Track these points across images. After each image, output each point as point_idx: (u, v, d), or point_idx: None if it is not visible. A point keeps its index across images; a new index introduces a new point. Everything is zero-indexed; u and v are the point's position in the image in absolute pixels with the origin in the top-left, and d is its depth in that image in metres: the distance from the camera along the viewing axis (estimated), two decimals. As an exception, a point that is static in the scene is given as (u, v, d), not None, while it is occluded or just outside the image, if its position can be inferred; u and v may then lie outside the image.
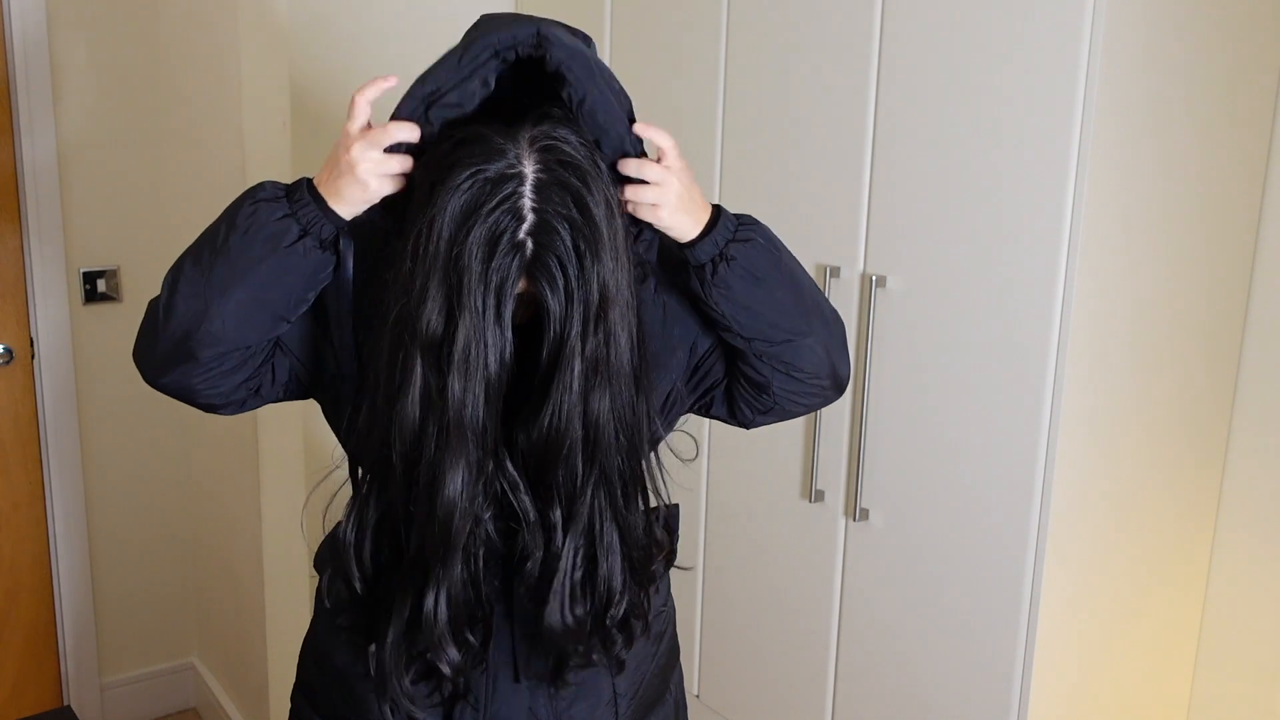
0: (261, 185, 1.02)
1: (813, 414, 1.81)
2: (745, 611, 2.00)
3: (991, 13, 1.47)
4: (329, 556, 1.15)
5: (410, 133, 0.98)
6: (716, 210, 1.07)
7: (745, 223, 1.08)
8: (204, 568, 2.63)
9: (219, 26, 2.15)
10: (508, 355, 0.94)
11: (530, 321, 0.99)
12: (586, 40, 1.04)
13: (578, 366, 0.95)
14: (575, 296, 0.93)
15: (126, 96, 2.41)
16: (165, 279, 1.03)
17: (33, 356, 2.39)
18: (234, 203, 1.01)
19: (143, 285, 2.50)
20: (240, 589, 2.40)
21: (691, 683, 2.12)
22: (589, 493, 1.01)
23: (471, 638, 1.03)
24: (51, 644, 2.54)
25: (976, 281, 1.53)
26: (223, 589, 2.52)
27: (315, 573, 1.24)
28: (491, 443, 0.98)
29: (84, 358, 2.45)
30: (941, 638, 1.64)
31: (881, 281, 1.66)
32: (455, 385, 0.93)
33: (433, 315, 0.92)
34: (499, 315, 0.92)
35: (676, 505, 1.26)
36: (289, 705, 1.32)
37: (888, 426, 1.69)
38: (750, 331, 1.08)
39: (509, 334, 0.94)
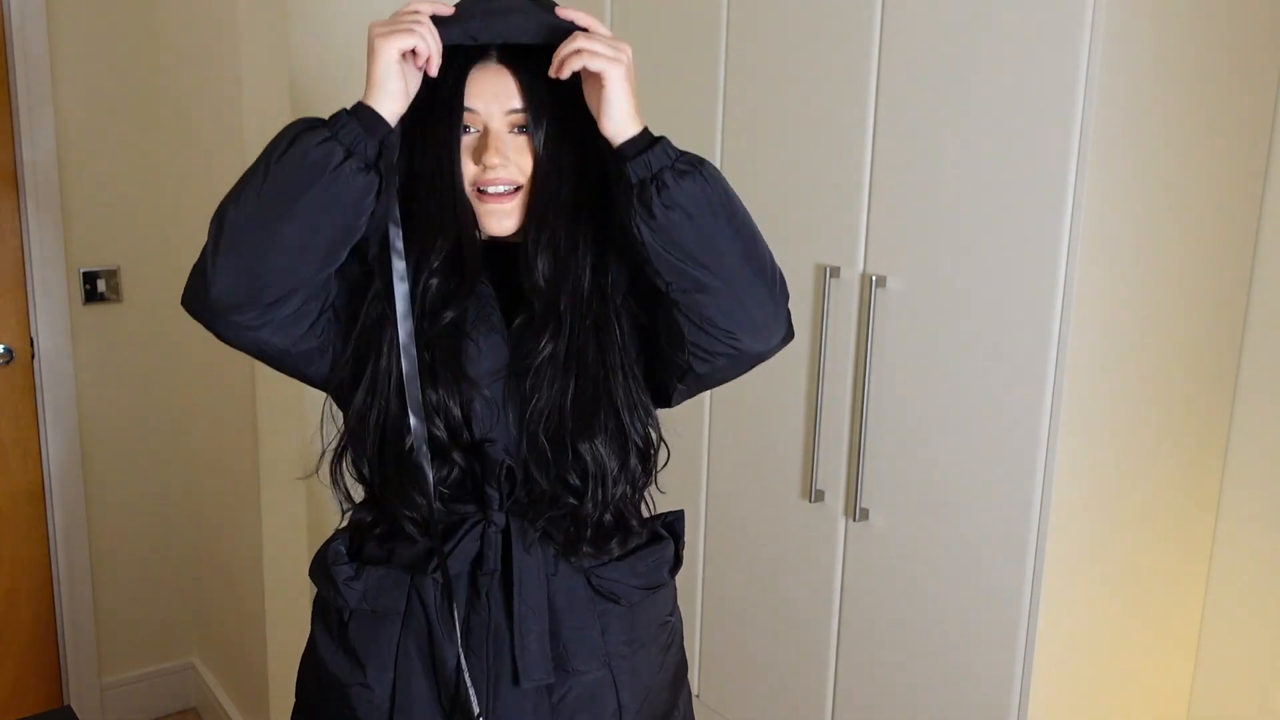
0: (298, 121, 1.03)
1: (812, 414, 1.81)
2: (745, 611, 2.00)
3: (992, 12, 1.47)
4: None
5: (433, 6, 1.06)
6: (658, 136, 1.06)
7: (689, 157, 1.05)
8: (204, 568, 2.63)
9: (219, 27, 2.15)
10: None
11: None
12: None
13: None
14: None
15: (126, 97, 2.41)
16: (211, 225, 1.03)
17: (33, 356, 2.39)
18: (274, 140, 1.02)
19: (143, 285, 2.50)
20: (240, 589, 2.41)
21: (692, 683, 2.12)
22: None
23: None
24: (51, 644, 2.54)
25: (976, 281, 1.53)
26: (223, 589, 2.52)
27: (312, 582, 1.25)
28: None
29: (84, 358, 2.45)
30: (941, 638, 1.64)
31: (881, 281, 1.66)
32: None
33: None
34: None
35: (680, 511, 1.28)
36: (289, 710, 1.32)
37: (888, 426, 1.69)
38: (668, 272, 1.04)
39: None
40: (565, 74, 1.04)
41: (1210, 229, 1.60)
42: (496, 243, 1.16)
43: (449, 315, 1.11)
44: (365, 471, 1.14)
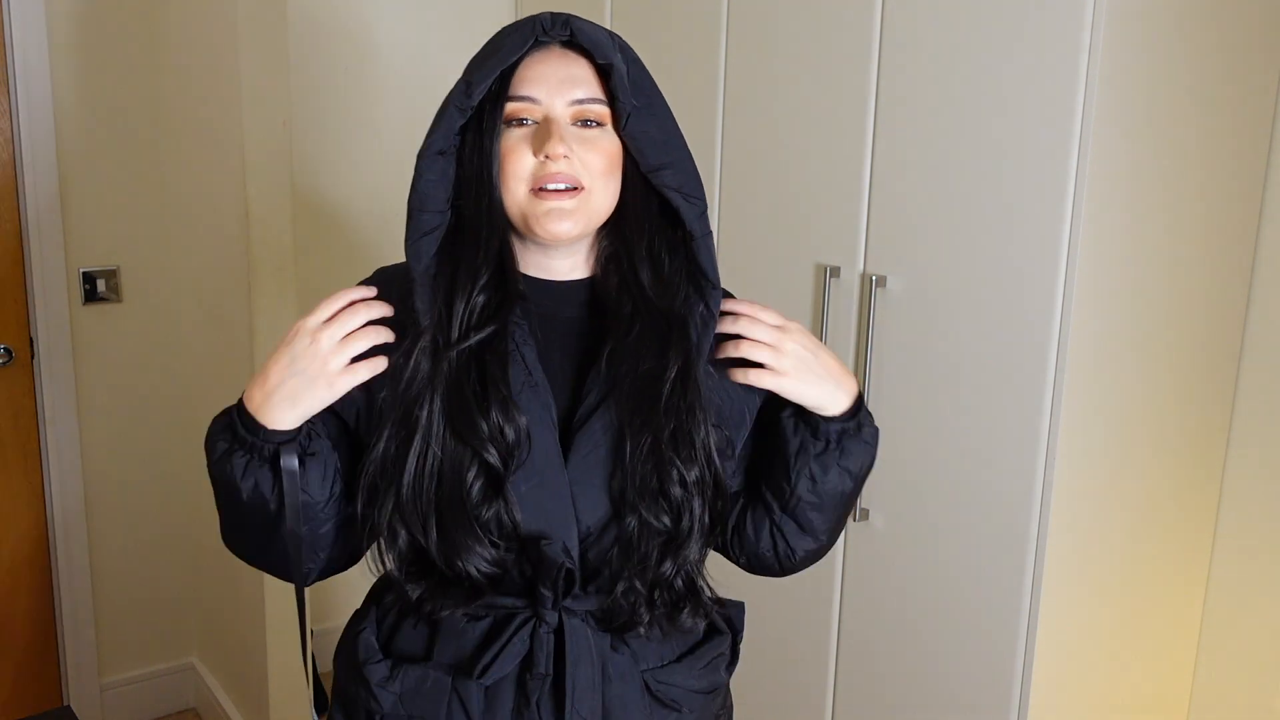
0: (215, 434, 0.99)
1: (813, 414, 1.81)
2: (745, 611, 2.00)
3: (992, 13, 1.47)
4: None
5: (382, 309, 0.96)
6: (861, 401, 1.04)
7: (868, 415, 1.06)
8: (204, 568, 2.63)
9: (219, 27, 2.15)
10: None
11: None
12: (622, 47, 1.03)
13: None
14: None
15: (126, 97, 2.41)
16: (222, 535, 1.05)
17: (33, 356, 2.39)
18: (212, 459, 0.99)
19: (143, 285, 2.50)
20: (240, 589, 2.40)
21: (691, 683, 2.12)
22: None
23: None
24: (51, 644, 2.54)
25: (976, 281, 1.53)
26: (223, 589, 2.52)
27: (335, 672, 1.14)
28: None
29: (84, 358, 2.45)
30: (942, 638, 1.64)
31: (881, 281, 1.66)
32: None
33: None
34: None
35: (741, 603, 1.18)
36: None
37: (888, 427, 1.69)
38: (800, 504, 1.04)
39: None
40: (735, 377, 1.00)
41: (1210, 228, 1.60)
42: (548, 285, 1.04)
43: (490, 328, 0.97)
44: (408, 523, 0.98)
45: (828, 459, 1.02)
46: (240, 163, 2.12)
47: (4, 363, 2.36)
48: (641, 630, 1.01)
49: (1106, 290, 1.46)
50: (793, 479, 1.03)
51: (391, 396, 0.97)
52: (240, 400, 0.97)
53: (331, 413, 1.00)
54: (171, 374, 2.56)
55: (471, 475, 0.95)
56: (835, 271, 1.74)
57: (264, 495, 0.96)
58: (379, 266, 1.09)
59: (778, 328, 1.00)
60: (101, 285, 2.44)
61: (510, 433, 0.95)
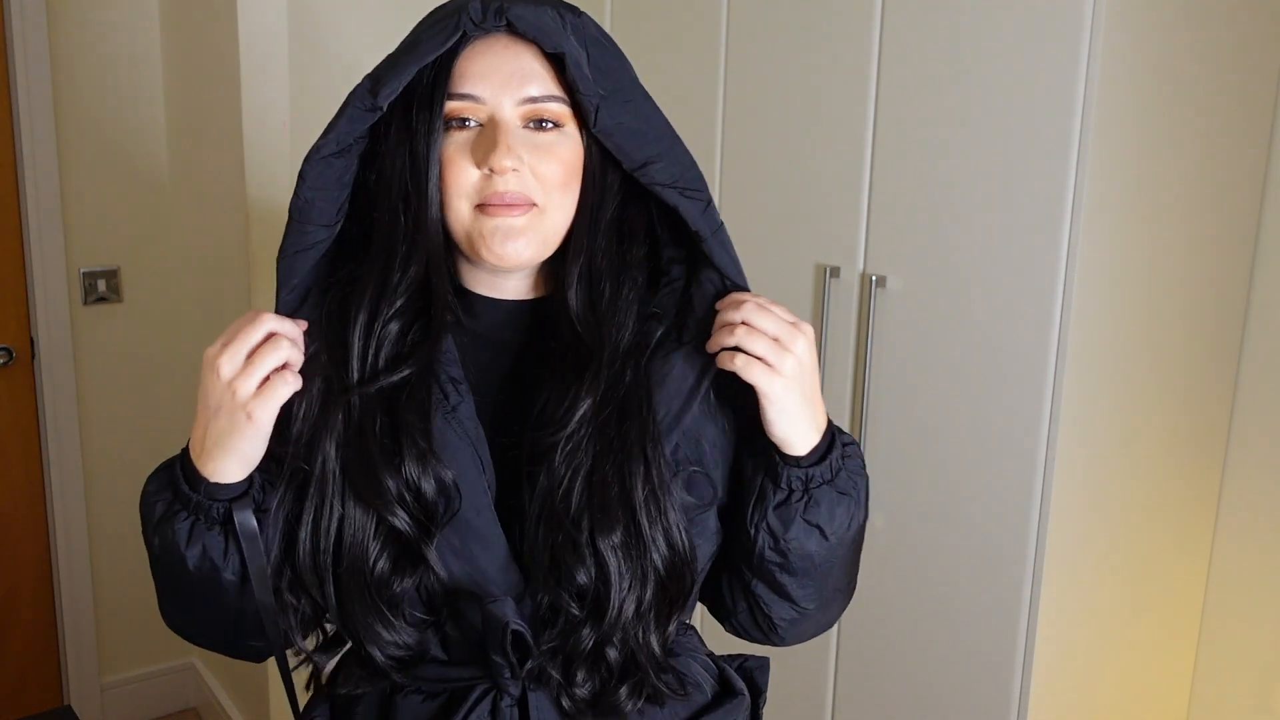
0: (152, 495, 0.85)
1: (813, 414, 1.81)
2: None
3: (992, 12, 1.47)
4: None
5: (282, 323, 0.81)
6: (833, 440, 0.87)
7: (854, 465, 0.89)
8: (204, 568, 2.64)
9: (220, 27, 2.15)
10: None
11: None
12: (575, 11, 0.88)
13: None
14: None
15: (126, 95, 2.41)
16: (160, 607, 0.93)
17: (33, 356, 2.39)
18: (150, 524, 0.85)
19: (143, 285, 2.50)
20: (240, 589, 2.41)
21: (691, 683, 2.12)
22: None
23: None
24: (51, 644, 2.54)
25: (976, 281, 1.53)
26: (223, 589, 2.53)
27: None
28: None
29: (84, 358, 2.45)
30: (941, 639, 1.64)
31: (881, 281, 1.66)
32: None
33: None
34: None
35: (765, 659, 1.06)
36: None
37: (887, 427, 1.69)
38: (765, 564, 0.88)
39: None
40: (722, 363, 0.82)
41: (1210, 228, 1.60)
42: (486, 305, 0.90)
43: (405, 370, 0.82)
44: (312, 593, 0.85)
45: (788, 511, 0.85)
46: (240, 163, 2.12)
47: (4, 363, 2.36)
48: (566, 706, 0.85)
49: (1106, 290, 1.46)
50: (751, 533, 0.86)
51: (284, 444, 0.83)
52: (185, 449, 0.84)
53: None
54: (171, 374, 2.57)
55: (377, 546, 0.81)
56: (835, 271, 1.74)
57: (214, 563, 0.82)
58: None
59: (791, 324, 0.82)
60: (101, 285, 2.45)
61: (429, 487, 0.81)
